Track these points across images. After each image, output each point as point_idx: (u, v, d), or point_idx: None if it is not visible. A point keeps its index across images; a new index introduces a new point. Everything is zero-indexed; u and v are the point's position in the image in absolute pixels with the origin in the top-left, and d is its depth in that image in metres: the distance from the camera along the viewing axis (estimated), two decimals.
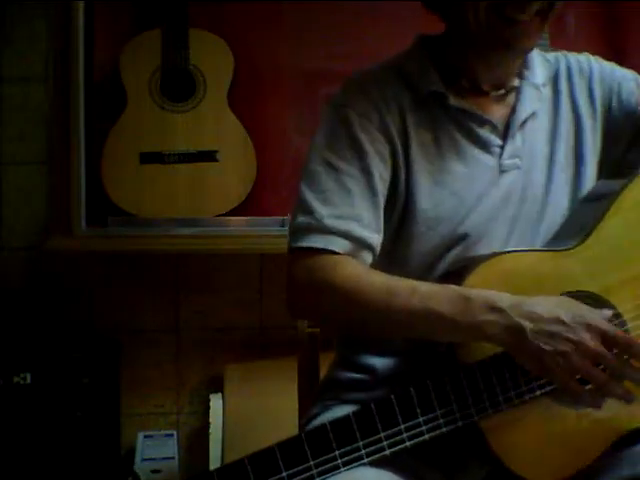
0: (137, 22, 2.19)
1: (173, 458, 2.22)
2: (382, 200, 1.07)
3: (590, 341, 0.91)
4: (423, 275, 1.06)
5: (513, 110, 1.12)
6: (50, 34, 2.21)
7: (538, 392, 0.95)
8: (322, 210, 1.04)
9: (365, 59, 1.28)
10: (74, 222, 2.08)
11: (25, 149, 2.23)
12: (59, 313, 2.21)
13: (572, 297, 0.97)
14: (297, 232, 1.06)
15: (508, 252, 1.02)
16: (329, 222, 1.04)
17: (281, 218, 2.13)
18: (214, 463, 2.11)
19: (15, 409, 1.96)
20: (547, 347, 0.90)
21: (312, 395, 1.24)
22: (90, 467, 1.96)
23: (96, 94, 2.13)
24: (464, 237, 1.07)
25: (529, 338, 0.91)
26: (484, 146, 1.10)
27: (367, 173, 1.06)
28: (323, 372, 1.25)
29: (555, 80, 1.17)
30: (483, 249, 1.07)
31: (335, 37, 2.15)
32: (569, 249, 1.03)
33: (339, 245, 1.03)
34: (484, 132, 1.11)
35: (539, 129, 1.13)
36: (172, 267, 2.29)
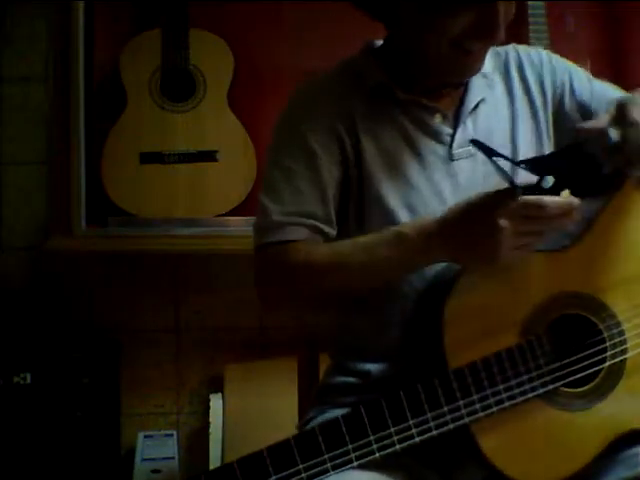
0: (137, 22, 2.19)
1: (173, 458, 2.21)
2: (332, 197, 1.13)
3: (506, 221, 0.93)
4: None
5: (462, 100, 1.15)
6: (50, 34, 2.21)
7: (530, 394, 0.94)
8: (273, 207, 1.12)
9: None
10: (74, 222, 2.08)
11: (25, 149, 2.23)
12: (59, 313, 2.21)
13: (566, 298, 0.98)
14: (255, 233, 1.15)
15: None
16: (279, 218, 1.11)
17: None
18: (214, 463, 2.11)
19: (15, 409, 1.96)
20: (476, 246, 0.96)
21: (310, 397, 1.24)
22: (90, 467, 1.96)
23: (96, 94, 2.13)
24: None
25: (464, 247, 0.97)
26: (434, 135, 1.13)
27: (316, 172, 1.12)
28: (323, 372, 1.25)
29: (506, 68, 1.19)
30: None
31: (335, 37, 2.15)
32: (563, 250, 1.02)
33: (290, 235, 1.10)
34: (434, 121, 1.13)
35: (495, 114, 1.16)
36: (172, 267, 2.29)
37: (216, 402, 2.18)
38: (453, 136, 1.13)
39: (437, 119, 1.13)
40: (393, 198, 1.10)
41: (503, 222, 0.93)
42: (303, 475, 0.87)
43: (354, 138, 1.12)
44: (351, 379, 1.14)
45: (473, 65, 1.10)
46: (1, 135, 2.23)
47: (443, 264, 1.04)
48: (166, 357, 2.29)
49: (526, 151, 1.14)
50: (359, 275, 1.06)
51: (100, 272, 2.27)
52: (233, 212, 2.13)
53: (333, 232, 1.13)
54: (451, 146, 1.13)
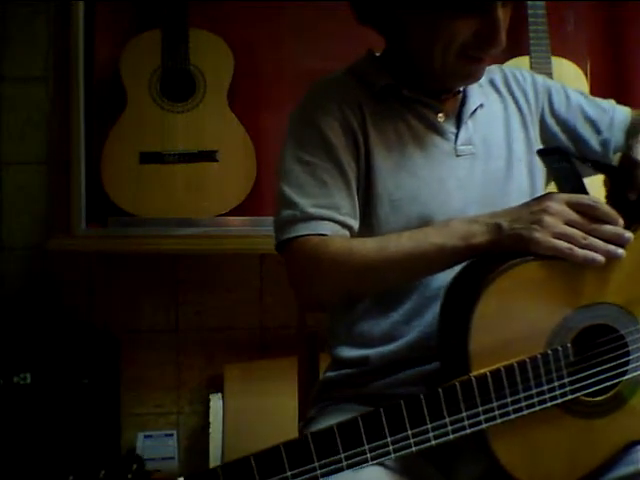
0: (137, 22, 2.19)
1: (173, 458, 2.22)
2: (354, 189, 1.14)
3: (556, 205, 0.97)
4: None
5: (462, 102, 1.20)
6: (50, 34, 2.21)
7: (549, 403, 0.94)
8: (303, 201, 1.11)
9: None
10: (74, 222, 2.08)
11: (25, 149, 2.23)
12: (59, 313, 2.21)
13: (596, 309, 0.98)
14: (283, 226, 1.12)
15: (536, 258, 0.98)
16: (312, 210, 1.11)
17: None
18: (214, 463, 2.11)
19: (15, 409, 1.96)
20: (521, 224, 0.97)
21: (308, 398, 1.24)
22: (90, 467, 1.96)
23: (96, 94, 2.13)
24: (429, 219, 1.12)
25: (507, 228, 0.98)
26: (439, 132, 1.17)
27: (338, 165, 1.13)
28: (323, 372, 1.25)
29: (493, 83, 1.25)
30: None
31: (335, 37, 2.15)
32: None
33: (324, 229, 1.10)
34: (439, 119, 1.18)
35: (492, 119, 1.21)
36: (172, 267, 2.29)
37: (216, 402, 2.18)
38: (457, 134, 1.17)
39: (441, 118, 1.18)
40: (400, 190, 1.13)
41: (554, 205, 0.96)
42: (318, 472, 0.87)
43: (364, 133, 1.15)
44: (349, 370, 1.15)
45: (477, 71, 1.14)
46: (1, 135, 2.23)
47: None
48: (166, 357, 2.29)
49: (520, 158, 1.20)
50: (405, 266, 1.05)
51: (100, 272, 2.27)
52: (233, 212, 2.13)
53: (357, 226, 1.14)
54: (455, 142, 1.17)
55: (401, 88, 1.16)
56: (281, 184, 1.15)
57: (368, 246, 1.07)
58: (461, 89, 1.20)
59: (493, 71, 1.26)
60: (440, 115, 1.18)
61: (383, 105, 1.17)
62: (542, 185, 1.23)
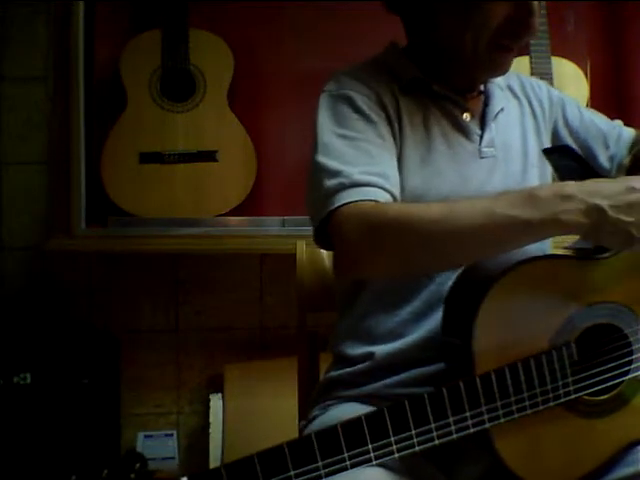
0: (137, 22, 2.19)
1: (173, 458, 2.22)
2: (396, 165, 1.08)
3: None
4: None
5: (486, 103, 1.19)
6: (50, 34, 2.21)
7: (552, 402, 0.94)
8: (350, 169, 1.02)
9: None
10: (74, 222, 2.08)
11: (25, 149, 2.23)
12: (59, 313, 2.21)
13: (602, 308, 0.98)
14: (330, 196, 1.01)
15: (541, 257, 0.98)
16: (361, 177, 1.01)
17: (281, 218, 2.13)
18: (214, 463, 2.11)
19: (15, 409, 1.96)
20: (630, 218, 0.91)
21: (311, 397, 1.23)
22: (92, 467, 1.96)
23: (96, 94, 2.13)
24: None
25: (610, 214, 0.91)
26: (465, 132, 1.16)
27: (381, 137, 1.08)
28: (323, 372, 1.25)
29: (511, 88, 1.25)
30: None
31: (335, 37, 2.16)
32: (603, 259, 1.01)
33: (376, 195, 1.01)
34: (464, 119, 1.17)
35: (511, 124, 1.21)
36: (172, 267, 2.29)
37: (216, 402, 2.18)
38: (481, 136, 1.17)
39: (466, 117, 1.17)
40: (424, 186, 1.11)
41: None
42: (322, 471, 0.86)
43: (398, 118, 1.12)
44: (353, 368, 1.14)
45: (506, 63, 1.13)
46: (1, 135, 2.23)
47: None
48: (166, 357, 2.29)
49: (533, 164, 1.20)
50: (479, 238, 0.94)
51: (100, 272, 2.27)
52: (233, 212, 2.13)
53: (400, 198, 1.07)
54: (480, 144, 1.16)
55: (430, 82, 1.15)
56: (318, 157, 1.06)
57: (434, 212, 0.96)
58: (483, 89, 1.20)
59: (511, 77, 1.25)
60: (465, 115, 1.16)
61: (413, 97, 1.15)
62: None
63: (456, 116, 1.16)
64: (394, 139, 1.11)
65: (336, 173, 1.02)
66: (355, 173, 1.01)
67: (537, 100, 1.25)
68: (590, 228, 0.91)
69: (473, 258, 0.98)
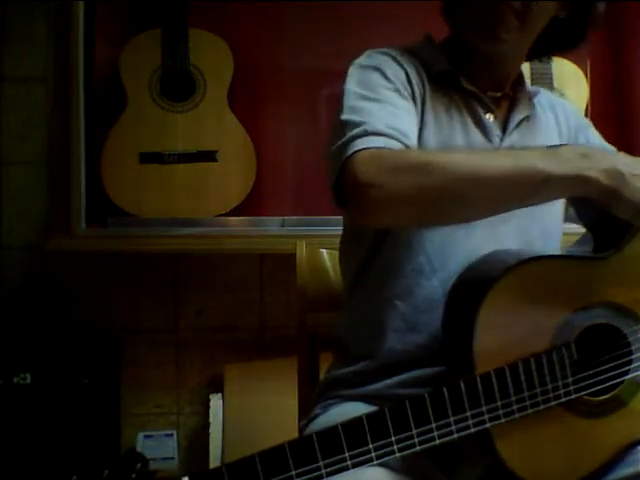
0: (137, 22, 2.19)
1: (173, 458, 2.22)
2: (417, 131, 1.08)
3: None
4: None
5: (510, 108, 1.19)
6: (50, 34, 2.21)
7: (553, 402, 0.94)
8: (373, 120, 1.02)
9: None
10: (74, 222, 2.08)
11: (25, 149, 2.23)
12: (59, 313, 2.21)
13: (601, 308, 0.98)
14: (351, 141, 1.00)
15: (541, 257, 0.98)
16: (383, 128, 1.01)
17: (281, 218, 2.13)
18: (214, 463, 2.11)
19: (15, 409, 1.96)
20: None
21: (311, 396, 1.23)
22: (93, 467, 1.96)
23: (96, 94, 2.13)
24: None
25: (629, 180, 0.91)
26: (486, 132, 1.16)
27: (406, 99, 1.09)
28: (323, 372, 1.25)
29: (540, 102, 1.25)
30: (480, 232, 1.08)
31: (335, 37, 2.16)
32: (603, 259, 1.01)
33: (397, 146, 1.00)
34: (487, 119, 1.16)
35: (535, 133, 1.20)
36: (172, 267, 2.29)
37: (216, 402, 2.18)
38: (502, 138, 1.16)
39: (490, 118, 1.17)
40: None
41: None
42: (323, 471, 0.86)
43: (423, 103, 1.12)
44: (355, 367, 1.14)
45: (494, 24, 1.09)
46: (1, 135, 2.23)
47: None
48: (166, 357, 2.29)
49: None
50: (499, 188, 0.94)
51: (100, 272, 2.27)
52: (233, 212, 2.13)
53: None
54: (500, 146, 1.16)
55: (459, 77, 1.15)
56: (343, 114, 1.05)
57: (457, 155, 0.97)
58: (511, 95, 1.19)
59: (540, 92, 1.25)
60: (489, 115, 1.16)
61: (440, 88, 1.15)
62: (561, 204, 1.22)
63: (479, 114, 1.16)
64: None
65: (359, 123, 1.01)
66: (378, 124, 1.01)
67: (564, 116, 1.25)
68: (608, 189, 0.92)
69: (490, 209, 0.98)
